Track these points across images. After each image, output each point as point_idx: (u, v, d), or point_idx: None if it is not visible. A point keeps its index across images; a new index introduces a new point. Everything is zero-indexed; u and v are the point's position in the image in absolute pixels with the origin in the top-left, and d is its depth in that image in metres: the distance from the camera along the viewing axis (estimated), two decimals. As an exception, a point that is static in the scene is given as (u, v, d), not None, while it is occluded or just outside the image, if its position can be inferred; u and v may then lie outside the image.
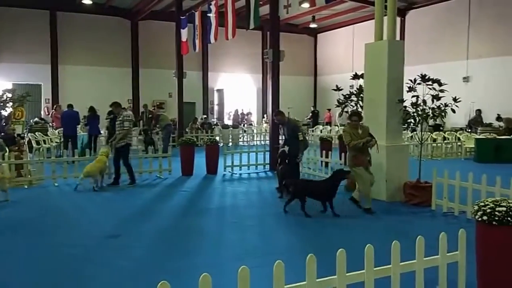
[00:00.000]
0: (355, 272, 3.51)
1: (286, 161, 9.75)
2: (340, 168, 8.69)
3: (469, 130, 20.01)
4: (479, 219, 4.12)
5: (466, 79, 22.13)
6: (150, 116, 21.32)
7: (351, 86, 10.93)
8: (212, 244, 6.44)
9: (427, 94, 8.78)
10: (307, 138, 12.88)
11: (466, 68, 22.29)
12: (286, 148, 10.00)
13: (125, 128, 10.62)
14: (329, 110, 28.30)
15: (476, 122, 20.27)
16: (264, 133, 23.46)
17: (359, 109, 10.20)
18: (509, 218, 3.96)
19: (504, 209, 4.00)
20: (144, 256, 5.91)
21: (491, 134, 17.55)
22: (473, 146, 16.69)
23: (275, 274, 3.12)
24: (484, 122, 20.19)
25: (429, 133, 17.14)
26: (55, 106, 20.99)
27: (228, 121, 28.00)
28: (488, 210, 4.05)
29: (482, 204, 4.17)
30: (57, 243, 6.40)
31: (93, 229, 7.13)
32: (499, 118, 19.76)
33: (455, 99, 8.68)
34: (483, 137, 16.92)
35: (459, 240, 4.07)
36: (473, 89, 21.37)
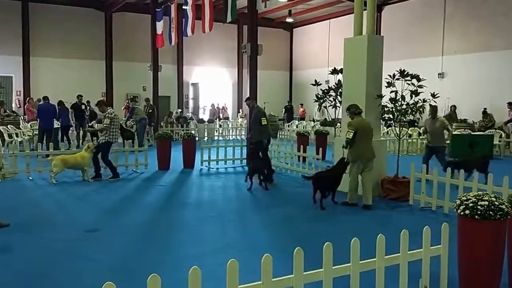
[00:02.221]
0: (340, 266, 3.53)
1: (260, 154, 10.12)
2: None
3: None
4: (461, 213, 4.18)
5: (441, 75, 22.49)
6: (124, 109, 21.10)
7: (327, 81, 10.98)
8: (192, 238, 6.44)
9: (405, 89, 8.89)
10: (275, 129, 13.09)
11: (441, 64, 22.64)
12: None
13: (104, 125, 10.68)
14: (302, 105, 28.54)
15: (451, 118, 20.56)
16: (239, 128, 23.44)
17: (338, 103, 10.31)
18: (490, 212, 4.03)
19: (486, 203, 4.08)
20: (125, 250, 5.88)
21: (466, 130, 17.86)
22: (448, 142, 16.96)
23: (263, 268, 3.13)
24: (459, 118, 20.53)
25: (405, 129, 17.31)
26: (28, 98, 20.58)
27: (203, 115, 27.90)
28: (471, 205, 4.12)
29: (465, 198, 4.24)
30: (35, 238, 6.28)
31: (71, 223, 7.04)
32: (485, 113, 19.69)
33: (433, 95, 8.81)
34: (458, 133, 17.22)
35: (442, 234, 4.14)
36: (448, 85, 21.73)
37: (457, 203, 4.31)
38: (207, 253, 5.70)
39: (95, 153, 10.72)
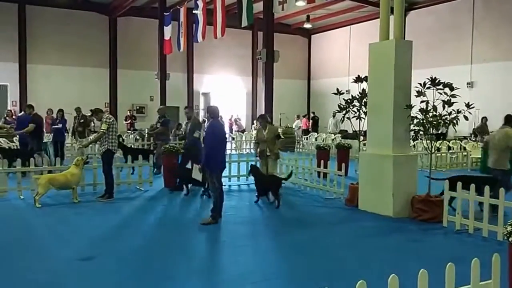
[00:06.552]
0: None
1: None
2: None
3: (474, 139, 19.89)
4: (514, 242, 3.82)
5: (470, 84, 22.12)
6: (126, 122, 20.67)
7: (347, 91, 10.70)
8: (201, 266, 6.14)
9: (437, 99, 8.57)
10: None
11: (470, 73, 22.31)
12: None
13: (101, 130, 10.08)
14: (304, 116, 28.32)
15: (482, 130, 20.14)
16: (254, 141, 23.09)
17: (362, 114, 10.03)
18: (551, 243, 3.67)
19: (545, 231, 3.72)
20: (124, 281, 5.53)
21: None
22: (479, 156, 16.54)
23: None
24: (491, 131, 20.08)
25: (435, 143, 16.93)
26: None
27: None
28: (526, 233, 3.76)
29: (517, 224, 3.89)
30: (20, 268, 5.94)
31: (63, 250, 6.69)
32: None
33: (468, 105, 8.48)
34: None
35: (492, 267, 3.77)
36: (477, 95, 21.19)
37: (507, 229, 3.96)
38: (219, 286, 5.43)
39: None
